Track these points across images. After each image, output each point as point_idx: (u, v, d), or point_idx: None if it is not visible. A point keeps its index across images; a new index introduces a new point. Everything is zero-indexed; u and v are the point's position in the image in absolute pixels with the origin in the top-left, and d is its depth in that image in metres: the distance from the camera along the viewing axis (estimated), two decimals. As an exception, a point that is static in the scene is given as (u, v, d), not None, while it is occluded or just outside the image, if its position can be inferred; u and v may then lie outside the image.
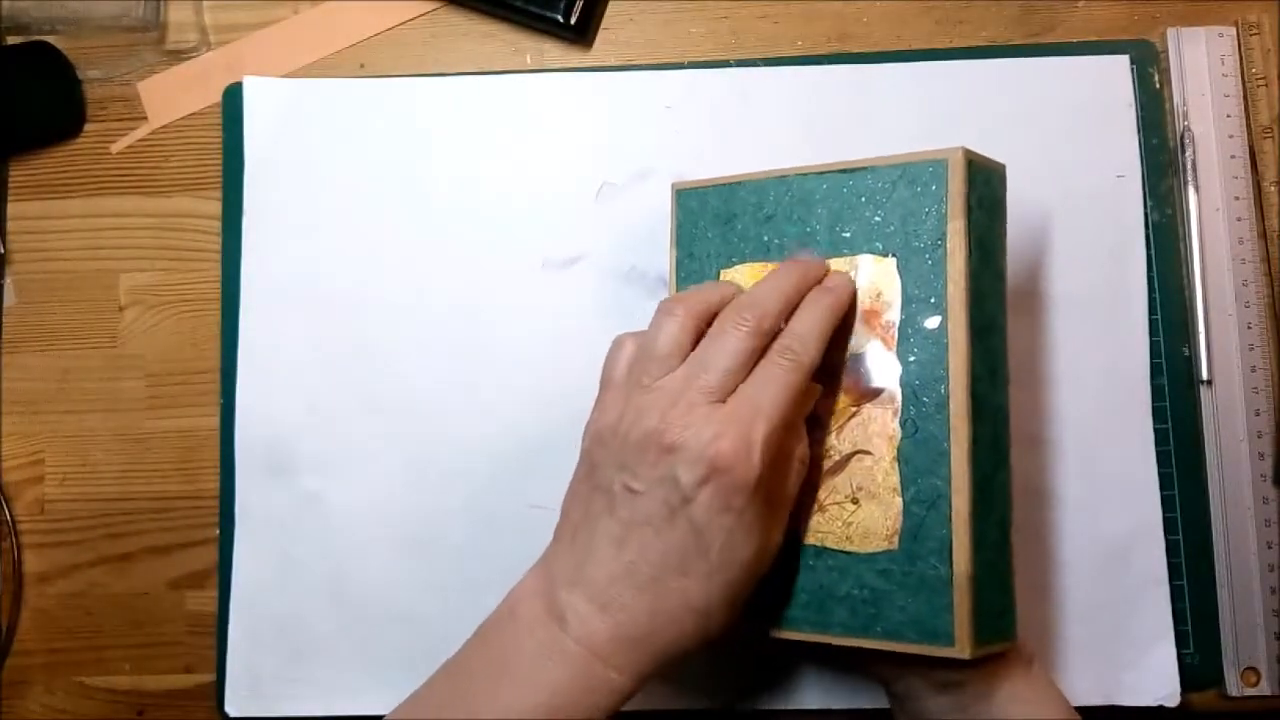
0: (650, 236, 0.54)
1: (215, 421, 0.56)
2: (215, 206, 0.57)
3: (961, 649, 0.40)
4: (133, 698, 0.56)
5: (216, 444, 0.56)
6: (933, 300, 0.42)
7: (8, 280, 0.58)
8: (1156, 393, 0.53)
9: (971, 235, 0.42)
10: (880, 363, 0.43)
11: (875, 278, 0.44)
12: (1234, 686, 0.51)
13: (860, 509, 0.43)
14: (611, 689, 0.39)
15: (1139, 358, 0.53)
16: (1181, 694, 0.51)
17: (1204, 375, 0.53)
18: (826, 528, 0.44)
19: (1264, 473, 0.52)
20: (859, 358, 0.44)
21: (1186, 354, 0.53)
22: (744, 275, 0.47)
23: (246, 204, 0.56)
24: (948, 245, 0.42)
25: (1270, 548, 0.52)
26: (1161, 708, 0.51)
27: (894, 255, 0.43)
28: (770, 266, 0.46)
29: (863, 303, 0.44)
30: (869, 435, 0.43)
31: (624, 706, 0.40)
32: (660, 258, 0.54)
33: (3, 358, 0.58)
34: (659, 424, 0.40)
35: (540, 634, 0.40)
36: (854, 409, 0.44)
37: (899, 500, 0.42)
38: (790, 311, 0.43)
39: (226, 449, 0.55)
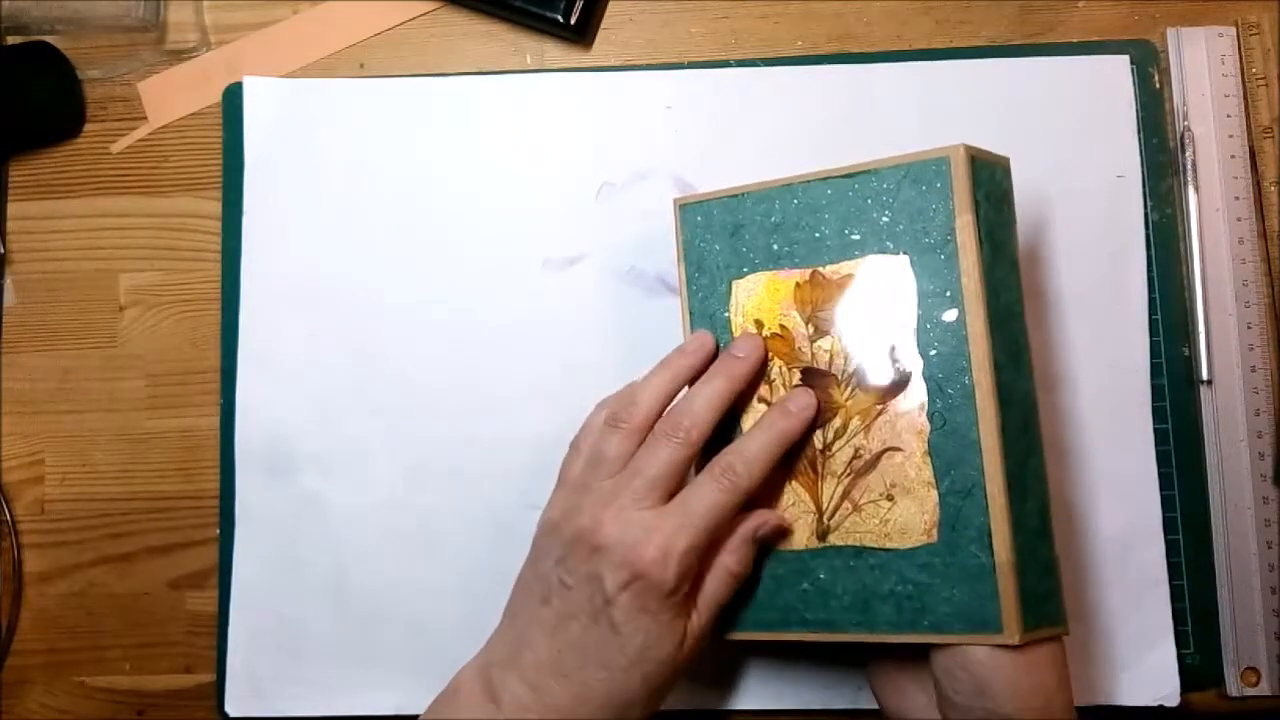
0: (650, 236, 0.54)
1: (215, 421, 0.56)
2: (215, 206, 0.57)
3: (1010, 635, 0.41)
4: (133, 698, 0.56)
5: (216, 444, 0.56)
6: (948, 294, 0.43)
7: (8, 280, 0.58)
8: (1156, 392, 0.53)
9: (981, 228, 0.43)
10: (902, 358, 0.44)
11: (888, 277, 0.44)
12: (1234, 686, 0.51)
13: (896, 505, 0.43)
14: None
15: (1139, 357, 0.53)
16: (1181, 694, 0.51)
17: (1204, 375, 0.53)
18: (864, 527, 0.44)
19: (1264, 472, 0.52)
20: (881, 355, 0.44)
21: (1186, 354, 0.53)
22: (758, 285, 0.47)
23: (246, 204, 0.56)
24: (958, 240, 0.43)
25: (1270, 547, 0.52)
26: (1161, 707, 0.51)
27: (905, 254, 0.44)
28: (782, 275, 0.46)
29: (878, 302, 0.44)
30: (898, 431, 0.43)
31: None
32: (660, 257, 0.54)
33: (3, 357, 0.58)
34: (590, 523, 0.43)
35: (478, 712, 0.43)
36: (880, 407, 0.44)
37: (934, 493, 0.43)
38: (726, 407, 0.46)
39: (226, 449, 0.55)
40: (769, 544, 0.46)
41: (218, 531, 0.55)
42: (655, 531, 0.42)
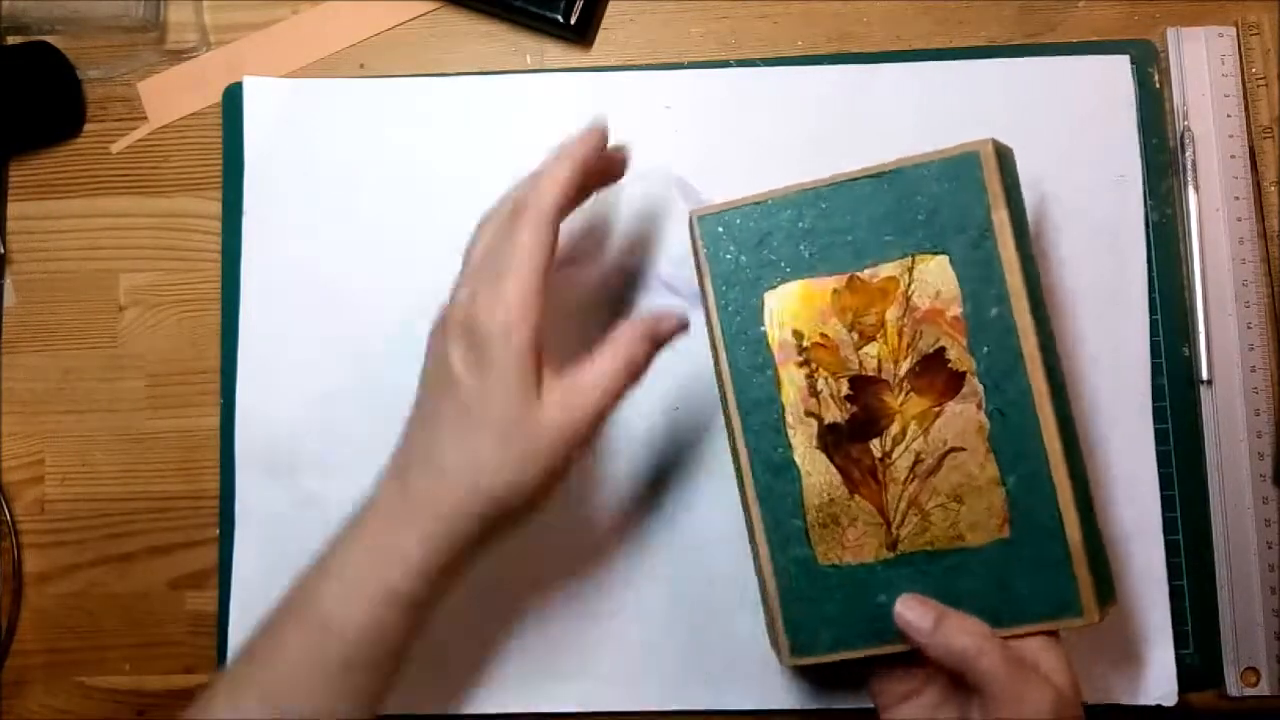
0: (650, 236, 0.54)
1: (215, 421, 0.56)
2: (215, 206, 0.57)
3: (1090, 616, 0.42)
4: (133, 698, 0.56)
5: (217, 444, 0.56)
6: (993, 290, 0.43)
7: (8, 280, 0.58)
8: (1156, 392, 0.53)
9: (1013, 222, 0.43)
10: (955, 358, 0.44)
11: (929, 276, 0.44)
12: (1234, 686, 0.51)
13: (965, 505, 0.44)
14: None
15: (1139, 357, 0.53)
16: (1181, 693, 0.51)
17: (1204, 375, 0.53)
18: (934, 531, 0.44)
19: (1264, 472, 0.52)
20: (932, 358, 0.44)
21: (1186, 354, 0.53)
22: (792, 294, 0.46)
23: (246, 204, 0.56)
24: (996, 235, 0.43)
25: (1270, 547, 0.52)
26: (1160, 707, 0.51)
27: (945, 252, 0.44)
28: (816, 282, 0.46)
29: (923, 303, 0.44)
30: (958, 431, 0.44)
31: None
32: (661, 258, 0.54)
33: (3, 357, 0.58)
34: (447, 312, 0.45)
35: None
36: (936, 409, 0.44)
37: (1001, 488, 0.43)
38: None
39: (226, 449, 0.55)
40: (801, 523, 0.46)
41: (218, 531, 0.55)
42: (480, 283, 0.43)
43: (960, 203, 0.43)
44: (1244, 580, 0.52)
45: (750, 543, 0.47)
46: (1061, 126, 0.54)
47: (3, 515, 0.57)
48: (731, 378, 0.47)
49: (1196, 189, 0.54)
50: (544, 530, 0.53)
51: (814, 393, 0.46)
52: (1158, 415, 0.53)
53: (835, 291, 0.45)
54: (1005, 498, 0.43)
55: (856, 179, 0.45)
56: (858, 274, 0.45)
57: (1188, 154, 0.54)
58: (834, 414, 0.45)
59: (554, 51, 0.58)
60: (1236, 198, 0.54)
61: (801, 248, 0.46)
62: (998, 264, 0.43)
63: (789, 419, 0.46)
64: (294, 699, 0.42)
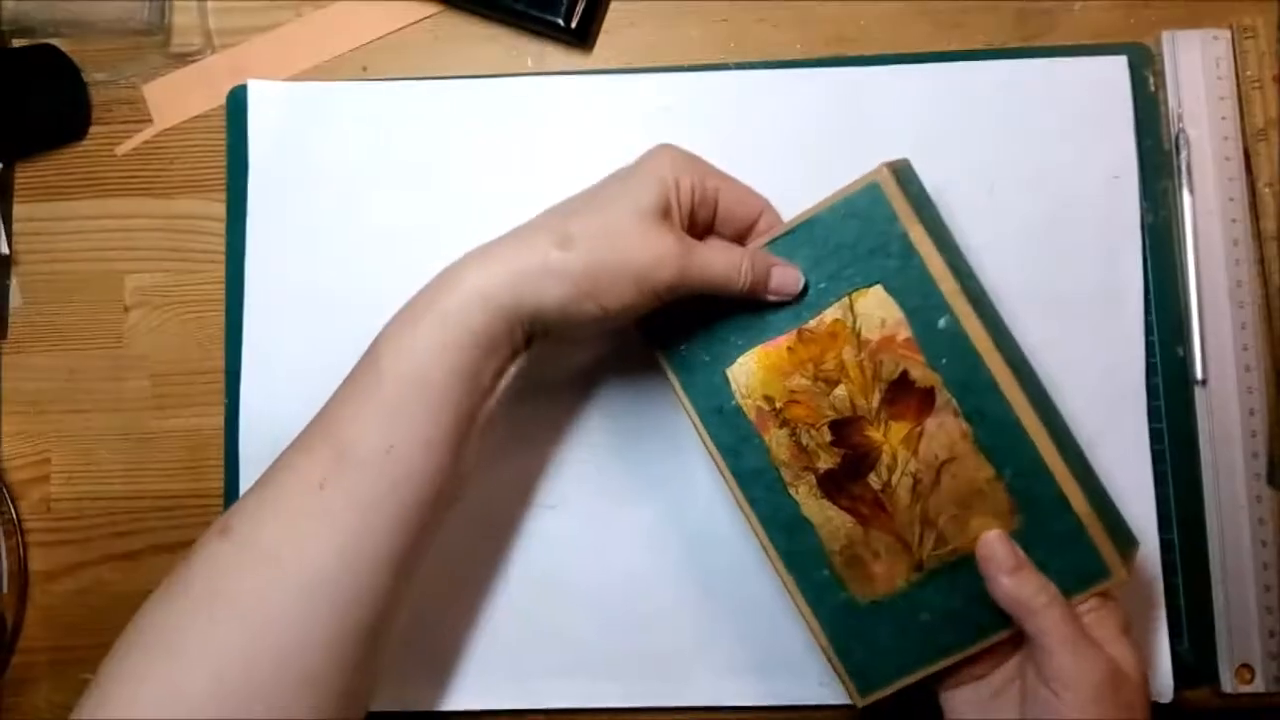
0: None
1: (220, 421, 0.56)
2: (220, 208, 0.58)
3: (1119, 574, 0.43)
4: (138, 694, 0.56)
5: (221, 444, 0.56)
6: (933, 303, 0.44)
7: (14, 281, 0.59)
8: (1151, 392, 0.53)
9: (930, 232, 0.44)
10: (919, 377, 0.45)
11: (871, 308, 0.45)
12: (1228, 683, 0.52)
13: (973, 509, 0.45)
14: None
15: (1134, 358, 0.53)
16: (1176, 691, 0.51)
17: (1198, 375, 0.53)
18: (953, 541, 0.45)
19: (1258, 471, 0.53)
20: (899, 383, 0.45)
21: (1181, 354, 0.54)
22: (751, 364, 0.47)
23: (251, 205, 0.57)
24: (919, 251, 0.44)
25: (1264, 546, 0.52)
26: (1155, 703, 0.51)
27: (878, 282, 0.45)
28: (770, 345, 0.47)
29: (873, 335, 0.45)
30: (945, 444, 0.45)
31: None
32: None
33: (9, 358, 0.58)
34: None
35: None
36: (918, 429, 0.45)
37: (1001, 484, 0.44)
38: None
39: (231, 448, 0.56)
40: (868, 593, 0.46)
41: (222, 530, 0.56)
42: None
43: (876, 231, 0.45)
44: (1239, 578, 0.52)
45: (790, 600, 0.48)
46: (1057, 128, 0.54)
47: (9, 514, 0.57)
48: (721, 455, 0.48)
49: (1191, 191, 0.54)
50: (556, 518, 0.53)
51: (802, 448, 0.47)
52: (1152, 415, 0.53)
53: (789, 349, 0.46)
54: (1007, 491, 0.44)
55: (775, 239, 0.46)
56: (805, 326, 0.46)
57: (1183, 156, 0.54)
58: (826, 461, 0.46)
59: (555, 54, 0.58)
60: (1231, 199, 0.54)
61: (744, 318, 0.47)
62: (929, 277, 0.44)
63: (787, 478, 0.47)
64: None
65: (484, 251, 0.44)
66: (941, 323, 0.44)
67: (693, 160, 0.47)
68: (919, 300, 0.44)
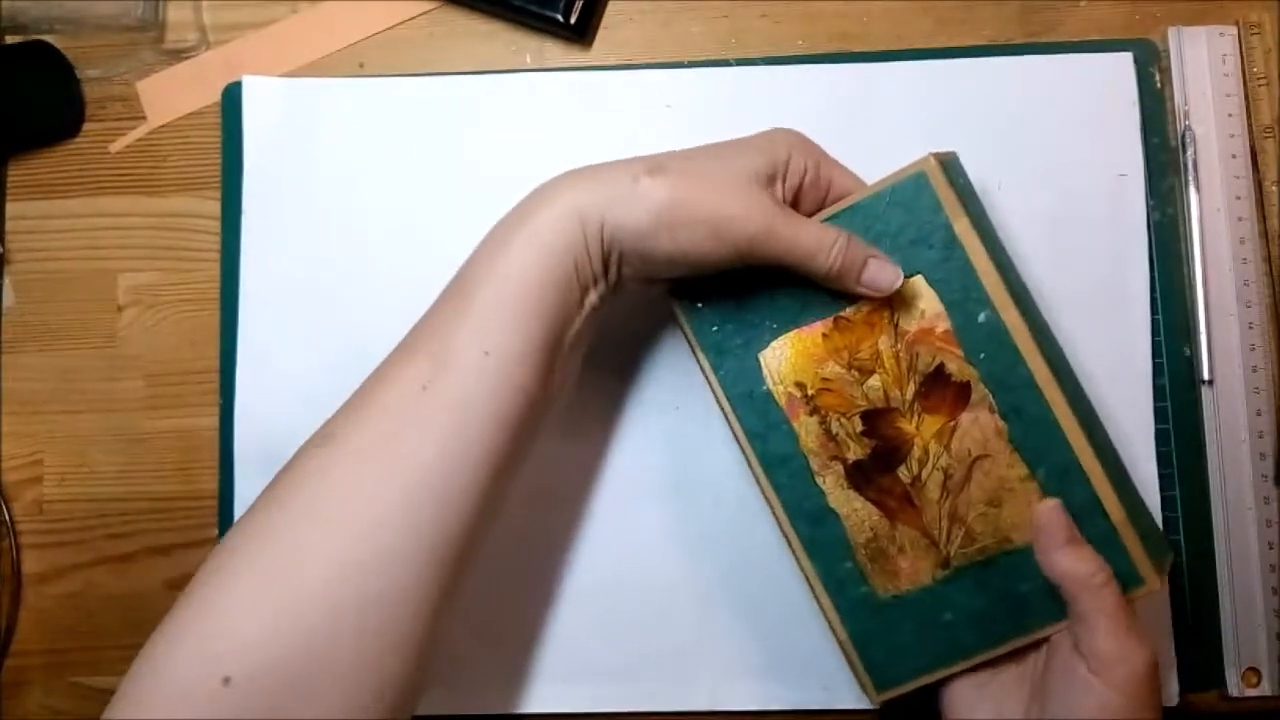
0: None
1: (214, 421, 0.56)
2: (214, 206, 0.57)
3: (1152, 583, 0.43)
4: (132, 698, 0.55)
5: (216, 444, 0.56)
6: (974, 296, 0.43)
7: (6, 280, 0.58)
8: (1157, 393, 0.53)
9: (975, 225, 0.43)
10: (955, 371, 0.44)
11: (910, 298, 0.44)
12: (1235, 687, 0.51)
13: (1003, 507, 0.44)
14: None
15: (1140, 357, 0.53)
16: (1182, 694, 0.51)
17: (1205, 375, 0.53)
18: (982, 539, 0.44)
19: (1265, 473, 0.52)
20: (934, 376, 0.44)
21: (1187, 354, 0.53)
22: (785, 349, 0.46)
23: (245, 203, 0.56)
24: (963, 244, 0.43)
25: (1271, 548, 0.52)
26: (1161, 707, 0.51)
27: (919, 272, 0.44)
28: (805, 331, 0.46)
29: (911, 326, 0.44)
30: (978, 439, 0.44)
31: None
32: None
33: (2, 358, 0.58)
34: None
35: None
36: (951, 423, 0.44)
37: (1034, 484, 0.43)
38: None
39: (225, 449, 0.55)
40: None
41: (216, 532, 0.55)
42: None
43: (920, 221, 0.44)
44: (1245, 580, 0.52)
45: (810, 594, 0.47)
46: (1063, 125, 0.54)
47: (2, 516, 0.56)
48: (749, 440, 0.47)
49: (1198, 188, 0.54)
50: (550, 516, 0.53)
51: (831, 437, 0.46)
52: (1159, 415, 0.53)
53: (825, 335, 0.46)
54: (1040, 491, 0.43)
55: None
56: (842, 314, 0.45)
57: (1189, 153, 0.54)
58: (855, 452, 0.46)
59: (554, 51, 0.58)
60: (1238, 197, 0.54)
61: (781, 302, 0.46)
62: (971, 270, 0.43)
63: (814, 466, 0.46)
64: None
65: (581, 171, 0.45)
66: (982, 317, 0.43)
67: (809, 144, 0.46)
68: (960, 293, 0.44)
